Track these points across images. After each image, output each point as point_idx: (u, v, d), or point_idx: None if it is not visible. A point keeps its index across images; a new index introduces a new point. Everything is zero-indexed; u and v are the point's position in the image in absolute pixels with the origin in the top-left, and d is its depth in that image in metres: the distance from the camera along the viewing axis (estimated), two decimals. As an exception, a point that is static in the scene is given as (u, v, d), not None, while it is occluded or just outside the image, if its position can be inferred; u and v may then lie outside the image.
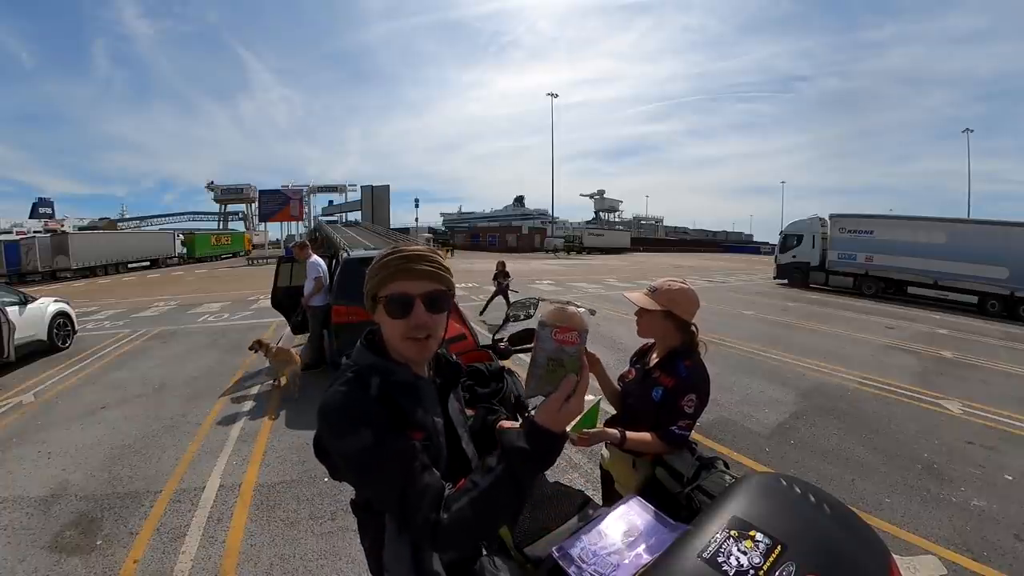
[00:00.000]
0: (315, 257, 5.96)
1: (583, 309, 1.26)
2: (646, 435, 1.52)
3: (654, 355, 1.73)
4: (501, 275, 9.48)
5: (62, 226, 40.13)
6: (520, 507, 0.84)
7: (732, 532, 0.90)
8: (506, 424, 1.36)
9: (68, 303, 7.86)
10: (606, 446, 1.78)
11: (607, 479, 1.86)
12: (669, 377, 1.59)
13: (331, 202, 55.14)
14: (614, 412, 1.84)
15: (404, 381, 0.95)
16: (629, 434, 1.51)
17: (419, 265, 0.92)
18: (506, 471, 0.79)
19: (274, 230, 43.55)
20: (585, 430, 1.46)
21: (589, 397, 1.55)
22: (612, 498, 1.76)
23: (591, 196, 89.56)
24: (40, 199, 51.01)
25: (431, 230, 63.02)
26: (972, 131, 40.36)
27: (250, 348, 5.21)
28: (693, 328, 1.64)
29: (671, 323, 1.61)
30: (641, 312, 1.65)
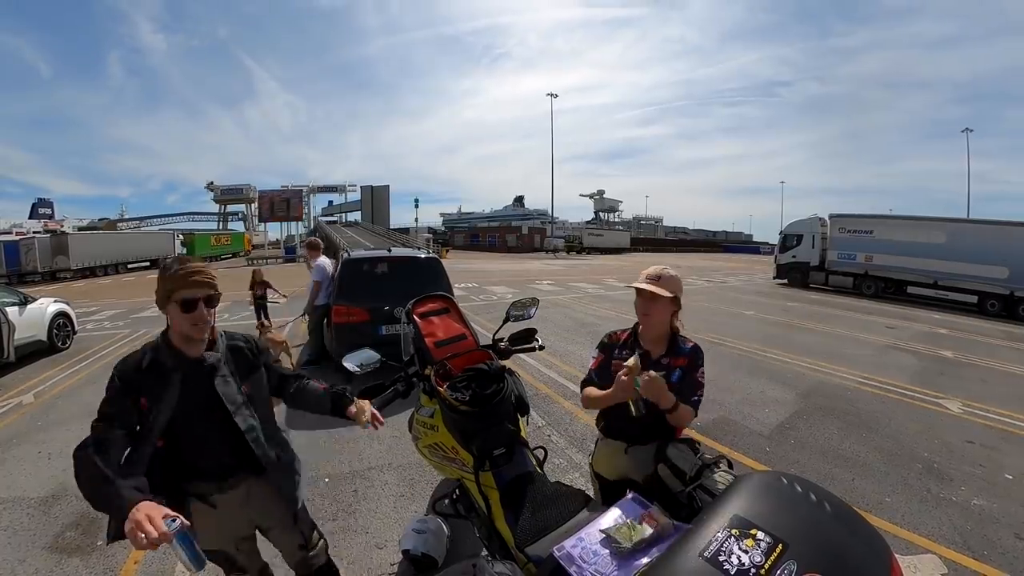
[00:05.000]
0: (322, 259, 5.95)
1: None
2: (684, 406, 1.61)
3: (648, 343, 1.76)
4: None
5: (61, 226, 40.09)
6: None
7: (733, 531, 0.90)
8: (353, 410, 1.62)
9: (68, 303, 7.85)
10: (595, 445, 1.92)
11: (600, 480, 1.87)
12: (680, 358, 1.71)
13: (331, 202, 55.03)
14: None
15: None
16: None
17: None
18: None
19: (274, 230, 43.50)
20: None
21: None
22: (608, 497, 1.78)
23: (591, 196, 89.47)
24: (40, 199, 50.45)
25: (431, 230, 62.85)
26: (972, 131, 40.25)
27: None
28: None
29: (674, 307, 1.72)
30: (655, 299, 1.66)
